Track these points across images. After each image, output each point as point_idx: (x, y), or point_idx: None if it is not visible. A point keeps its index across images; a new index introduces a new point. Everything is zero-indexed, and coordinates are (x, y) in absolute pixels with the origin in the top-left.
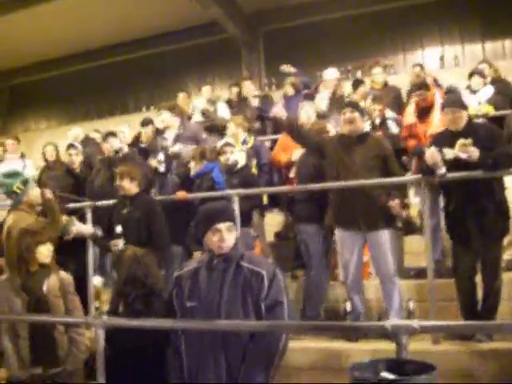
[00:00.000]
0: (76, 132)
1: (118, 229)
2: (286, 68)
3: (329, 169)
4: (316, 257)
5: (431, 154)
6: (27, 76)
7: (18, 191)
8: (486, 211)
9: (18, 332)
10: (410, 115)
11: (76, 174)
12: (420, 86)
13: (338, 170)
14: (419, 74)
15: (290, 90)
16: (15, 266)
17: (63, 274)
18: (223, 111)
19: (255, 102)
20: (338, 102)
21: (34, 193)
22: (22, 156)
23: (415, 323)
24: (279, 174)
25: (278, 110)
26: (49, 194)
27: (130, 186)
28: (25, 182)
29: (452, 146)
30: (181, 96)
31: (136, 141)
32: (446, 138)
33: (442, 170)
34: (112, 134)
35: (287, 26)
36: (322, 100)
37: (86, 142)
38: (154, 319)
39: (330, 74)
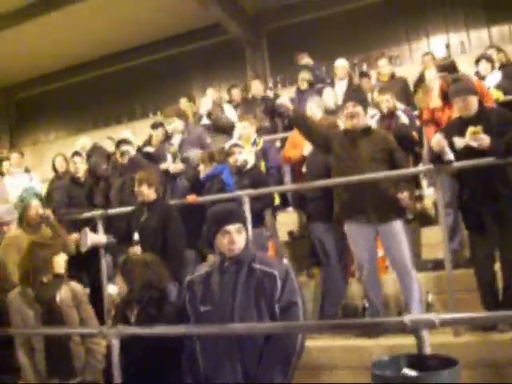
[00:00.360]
0: (83, 141)
1: (136, 236)
2: (303, 59)
3: (335, 163)
4: (332, 254)
5: (437, 140)
6: (33, 89)
7: (17, 209)
8: (500, 197)
9: (34, 345)
10: (434, 99)
11: (81, 183)
12: (445, 67)
13: (345, 164)
14: (446, 57)
15: (304, 85)
16: (27, 278)
17: (74, 284)
18: (230, 112)
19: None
20: (355, 93)
21: (31, 211)
22: (27, 170)
23: (435, 317)
24: (292, 173)
25: (284, 100)
26: (47, 212)
27: (149, 193)
28: (22, 200)
29: (464, 133)
30: (182, 101)
31: (148, 144)
32: (457, 126)
33: (449, 156)
34: (125, 141)
35: (289, 24)
36: (330, 96)
37: (94, 150)
38: (168, 326)
39: (340, 62)
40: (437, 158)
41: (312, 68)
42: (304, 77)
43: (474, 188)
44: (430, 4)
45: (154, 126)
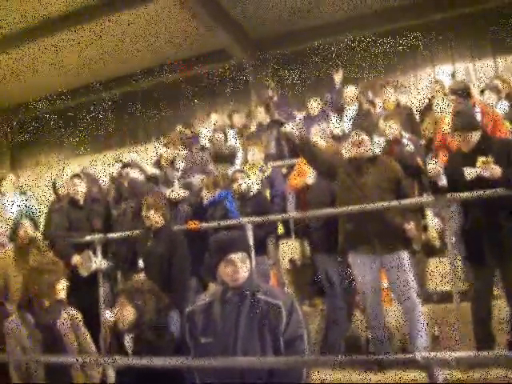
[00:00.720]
0: (72, 169)
1: (141, 263)
2: (338, 77)
3: (340, 191)
4: (337, 285)
5: (433, 166)
6: (35, 110)
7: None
8: (502, 229)
9: (32, 374)
10: (448, 124)
11: (80, 206)
12: (455, 91)
13: (350, 193)
14: (461, 81)
15: (313, 111)
16: (27, 303)
17: (72, 309)
18: (233, 138)
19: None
20: (364, 119)
21: (20, 231)
22: (22, 192)
23: (448, 355)
24: (297, 200)
25: (290, 128)
26: (36, 233)
27: (156, 218)
28: (15, 223)
29: (467, 165)
30: (178, 129)
31: (157, 165)
32: (462, 157)
33: (443, 181)
34: (129, 165)
35: (294, 51)
36: (336, 124)
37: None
38: (167, 358)
39: (351, 88)
40: (433, 183)
41: (331, 90)
42: (314, 102)
43: (477, 218)
44: (436, 33)
45: (166, 145)
